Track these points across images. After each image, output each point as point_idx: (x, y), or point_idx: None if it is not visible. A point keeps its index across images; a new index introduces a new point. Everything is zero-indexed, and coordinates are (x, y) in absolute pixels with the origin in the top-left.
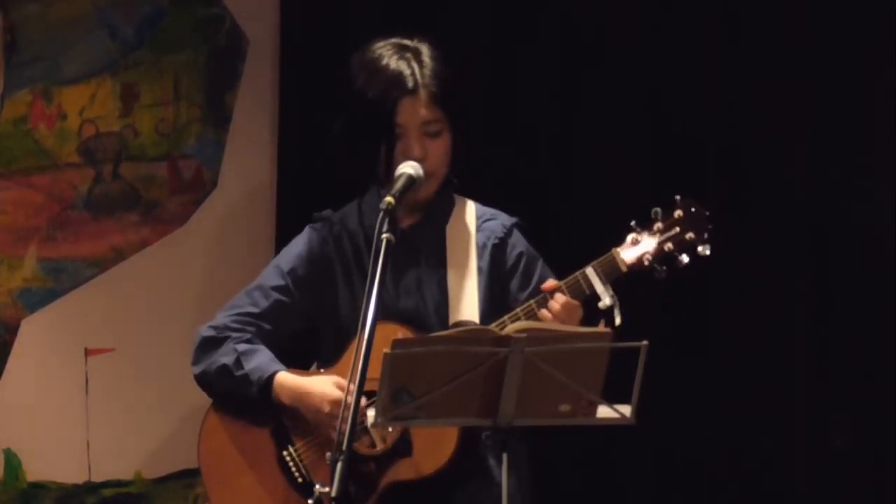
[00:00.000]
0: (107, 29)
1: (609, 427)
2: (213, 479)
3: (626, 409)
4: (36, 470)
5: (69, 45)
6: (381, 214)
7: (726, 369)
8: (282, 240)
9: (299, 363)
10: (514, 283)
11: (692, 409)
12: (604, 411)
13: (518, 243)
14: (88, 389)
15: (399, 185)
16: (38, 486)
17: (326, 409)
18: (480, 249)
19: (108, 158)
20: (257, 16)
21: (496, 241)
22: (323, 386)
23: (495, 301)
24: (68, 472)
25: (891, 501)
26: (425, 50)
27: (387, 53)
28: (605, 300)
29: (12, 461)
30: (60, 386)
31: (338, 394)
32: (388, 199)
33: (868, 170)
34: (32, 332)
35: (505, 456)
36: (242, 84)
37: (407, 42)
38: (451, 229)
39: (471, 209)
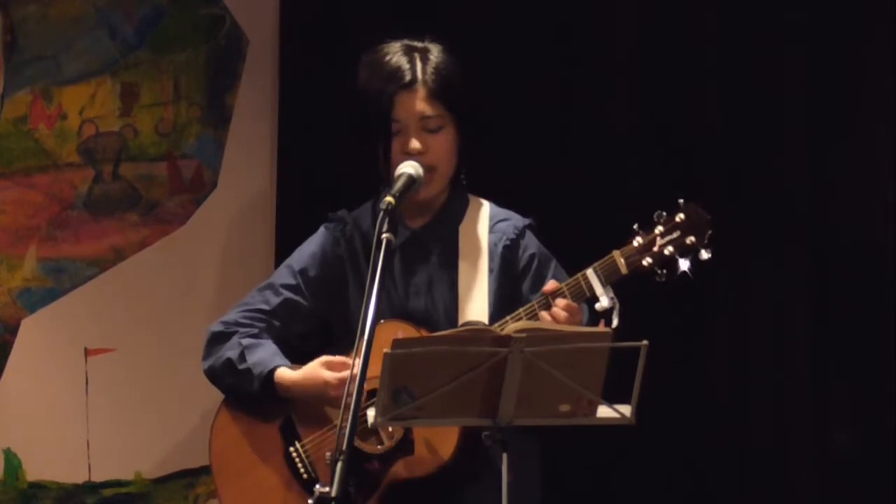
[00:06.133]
0: (107, 29)
1: (609, 427)
2: (223, 475)
3: (626, 409)
4: (36, 470)
5: (69, 45)
6: (381, 214)
7: (726, 369)
8: (282, 240)
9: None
10: (526, 285)
11: (692, 409)
12: (604, 411)
13: (530, 245)
14: (88, 389)
15: (399, 184)
16: (38, 486)
17: (332, 393)
18: (492, 251)
19: (108, 158)
20: (257, 16)
21: (507, 242)
22: (318, 372)
23: (506, 302)
24: (68, 472)
25: (891, 501)
26: (434, 50)
27: (392, 51)
28: (604, 302)
29: (12, 461)
30: (60, 386)
31: (333, 375)
32: (389, 198)
33: (868, 170)
34: (32, 332)
35: (505, 456)
36: (242, 84)
37: (416, 43)
38: (463, 230)
39: (485, 210)
